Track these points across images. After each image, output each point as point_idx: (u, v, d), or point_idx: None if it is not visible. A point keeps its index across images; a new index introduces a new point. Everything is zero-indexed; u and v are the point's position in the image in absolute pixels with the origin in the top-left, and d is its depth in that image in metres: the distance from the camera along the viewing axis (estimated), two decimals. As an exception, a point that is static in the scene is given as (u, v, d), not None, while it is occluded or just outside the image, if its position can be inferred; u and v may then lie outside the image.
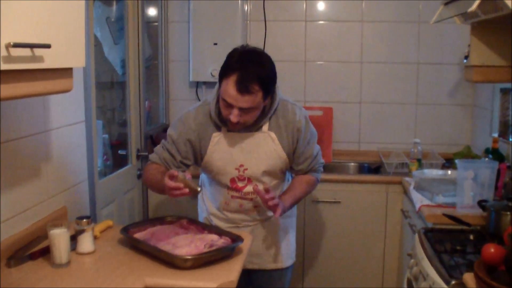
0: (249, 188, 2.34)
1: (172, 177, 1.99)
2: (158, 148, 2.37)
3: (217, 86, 2.29)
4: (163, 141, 2.37)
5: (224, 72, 2.14)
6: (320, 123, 4.01)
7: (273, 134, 2.30)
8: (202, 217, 2.56)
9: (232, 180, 2.34)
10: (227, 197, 2.39)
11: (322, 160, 2.51)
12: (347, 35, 3.99)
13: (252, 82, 2.08)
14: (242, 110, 2.12)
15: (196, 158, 2.36)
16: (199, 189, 1.99)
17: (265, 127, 2.30)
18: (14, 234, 1.98)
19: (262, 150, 2.30)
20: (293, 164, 2.40)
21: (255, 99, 2.12)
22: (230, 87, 2.09)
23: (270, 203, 2.13)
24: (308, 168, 2.42)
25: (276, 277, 2.54)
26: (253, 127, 2.29)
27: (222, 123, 2.28)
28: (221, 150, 2.30)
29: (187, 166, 2.36)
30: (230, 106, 2.13)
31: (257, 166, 2.31)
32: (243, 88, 2.07)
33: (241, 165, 2.31)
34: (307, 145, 2.37)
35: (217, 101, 2.26)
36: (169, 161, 2.31)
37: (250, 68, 2.10)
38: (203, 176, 2.54)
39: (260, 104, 2.18)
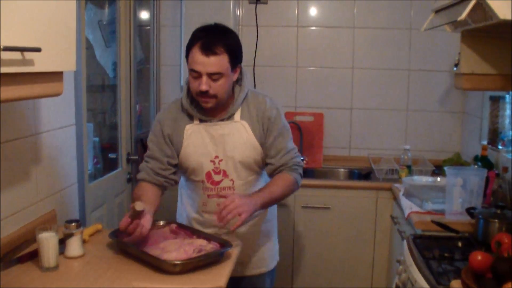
0: (225, 183, 2.31)
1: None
2: (142, 165, 2.36)
3: (186, 80, 2.31)
4: (144, 156, 2.37)
5: (189, 45, 2.17)
6: (311, 129, 4.02)
7: (245, 123, 2.29)
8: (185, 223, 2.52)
9: (208, 174, 2.31)
10: (204, 197, 2.36)
11: (301, 162, 2.41)
12: (338, 41, 4.01)
13: (217, 44, 2.12)
14: (210, 77, 2.13)
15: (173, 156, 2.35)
16: (137, 207, 1.94)
17: (237, 116, 2.29)
18: (2, 237, 1.97)
19: (236, 139, 2.28)
20: (266, 158, 2.34)
21: (221, 62, 2.13)
22: (195, 53, 2.13)
23: (229, 215, 2.03)
24: (281, 162, 2.32)
25: (261, 281, 2.51)
26: (225, 114, 2.28)
27: (194, 109, 2.29)
28: (195, 143, 2.30)
29: (175, 166, 2.35)
30: (198, 76, 2.14)
31: (232, 156, 2.28)
32: (207, 49, 2.11)
33: (216, 157, 2.29)
34: (278, 136, 2.32)
35: (188, 90, 2.28)
36: (157, 168, 2.29)
37: (214, 33, 2.16)
38: (182, 181, 2.52)
39: (228, 71, 2.17)
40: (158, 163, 2.30)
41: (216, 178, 2.32)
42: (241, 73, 2.31)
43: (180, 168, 2.41)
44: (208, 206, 2.37)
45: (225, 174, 2.31)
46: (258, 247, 2.47)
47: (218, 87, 2.17)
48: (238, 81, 2.31)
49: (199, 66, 2.12)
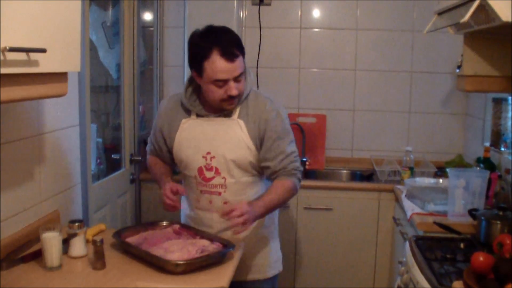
0: (217, 181, 2.29)
1: (175, 192, 2.14)
2: (149, 138, 2.51)
3: (188, 77, 2.33)
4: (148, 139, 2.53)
5: (202, 56, 2.12)
6: (313, 130, 4.03)
7: (241, 122, 2.26)
8: (182, 221, 2.50)
9: (200, 170, 2.30)
10: (197, 193, 2.34)
11: (300, 166, 2.34)
12: (341, 42, 4.02)
13: (234, 47, 2.13)
14: (236, 80, 2.15)
15: (168, 148, 2.41)
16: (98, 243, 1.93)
17: (235, 114, 2.28)
18: (6, 237, 1.98)
19: (229, 137, 2.26)
20: (263, 162, 2.29)
21: (241, 63, 2.16)
22: (217, 62, 2.10)
23: (234, 221, 2.04)
24: (280, 166, 2.26)
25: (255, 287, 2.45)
26: (222, 112, 2.28)
27: (195, 105, 2.31)
28: (189, 137, 2.30)
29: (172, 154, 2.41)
30: (225, 83, 2.14)
31: (223, 154, 2.25)
32: (230, 54, 2.10)
33: (208, 153, 2.27)
34: (277, 139, 2.27)
35: (193, 89, 2.31)
36: (159, 152, 2.43)
37: (223, 37, 2.15)
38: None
39: (245, 69, 2.21)
40: (160, 149, 2.44)
41: (208, 174, 2.30)
42: (245, 71, 2.31)
43: (176, 161, 2.43)
44: (200, 203, 2.35)
45: (217, 171, 2.29)
46: (254, 252, 2.40)
47: (242, 87, 2.21)
48: None
49: (225, 74, 2.11)
